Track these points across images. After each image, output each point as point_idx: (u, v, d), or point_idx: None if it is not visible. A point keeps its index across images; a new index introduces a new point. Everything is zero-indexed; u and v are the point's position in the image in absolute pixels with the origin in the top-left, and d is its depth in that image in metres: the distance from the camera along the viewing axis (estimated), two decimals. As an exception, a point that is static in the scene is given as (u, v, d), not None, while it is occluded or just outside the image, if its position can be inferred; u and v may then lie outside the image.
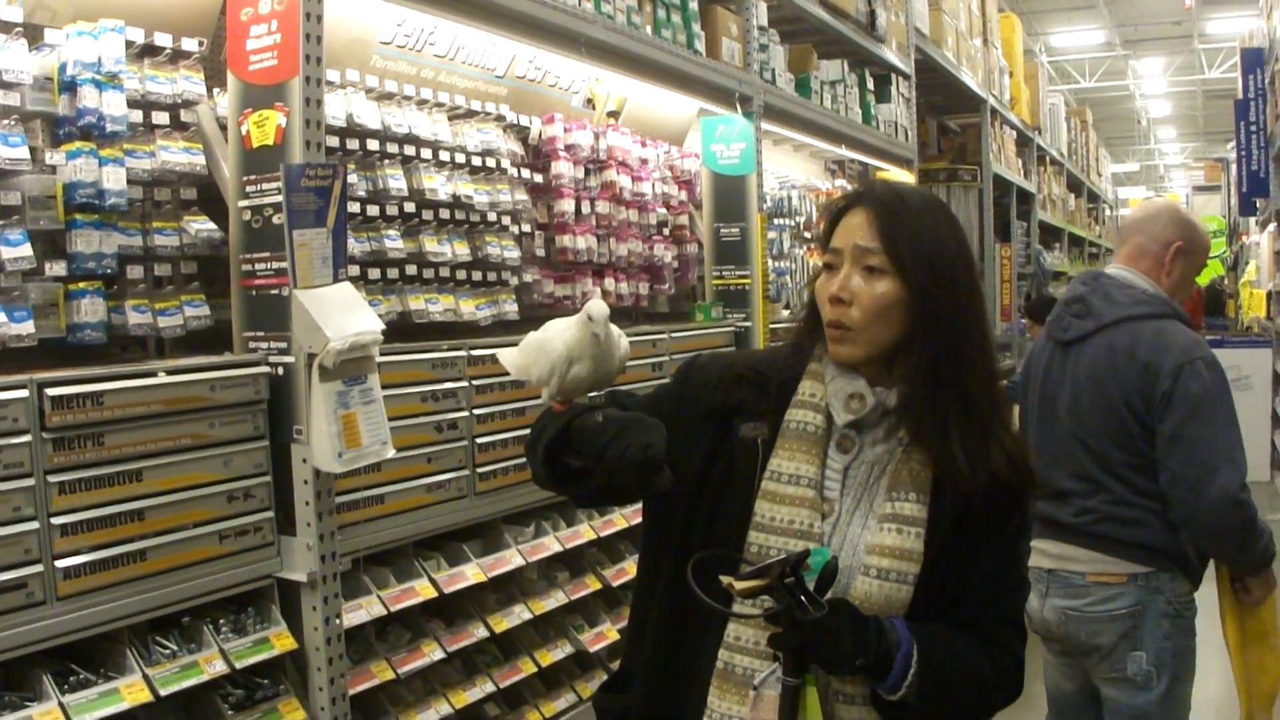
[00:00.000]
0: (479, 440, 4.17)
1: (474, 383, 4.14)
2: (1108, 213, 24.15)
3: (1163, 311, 3.56)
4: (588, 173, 5.30)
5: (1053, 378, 3.71)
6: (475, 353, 4.12)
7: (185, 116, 3.63)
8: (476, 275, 4.62)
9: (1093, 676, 3.65)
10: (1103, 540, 3.50)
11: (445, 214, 4.44)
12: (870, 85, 8.39)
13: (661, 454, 1.92)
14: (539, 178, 5.03)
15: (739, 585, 1.88)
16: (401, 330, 4.19)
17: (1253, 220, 16.34)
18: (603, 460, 1.93)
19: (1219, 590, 3.70)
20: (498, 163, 4.67)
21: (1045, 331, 3.87)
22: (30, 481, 2.87)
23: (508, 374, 2.35)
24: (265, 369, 3.43)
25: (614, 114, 5.64)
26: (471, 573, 4.09)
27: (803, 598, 1.86)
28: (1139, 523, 3.46)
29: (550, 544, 4.49)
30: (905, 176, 9.09)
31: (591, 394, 2.23)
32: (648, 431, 1.93)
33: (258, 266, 3.48)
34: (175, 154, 3.52)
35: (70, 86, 3.28)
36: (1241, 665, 3.73)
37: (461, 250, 4.48)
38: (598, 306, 2.19)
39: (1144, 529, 3.46)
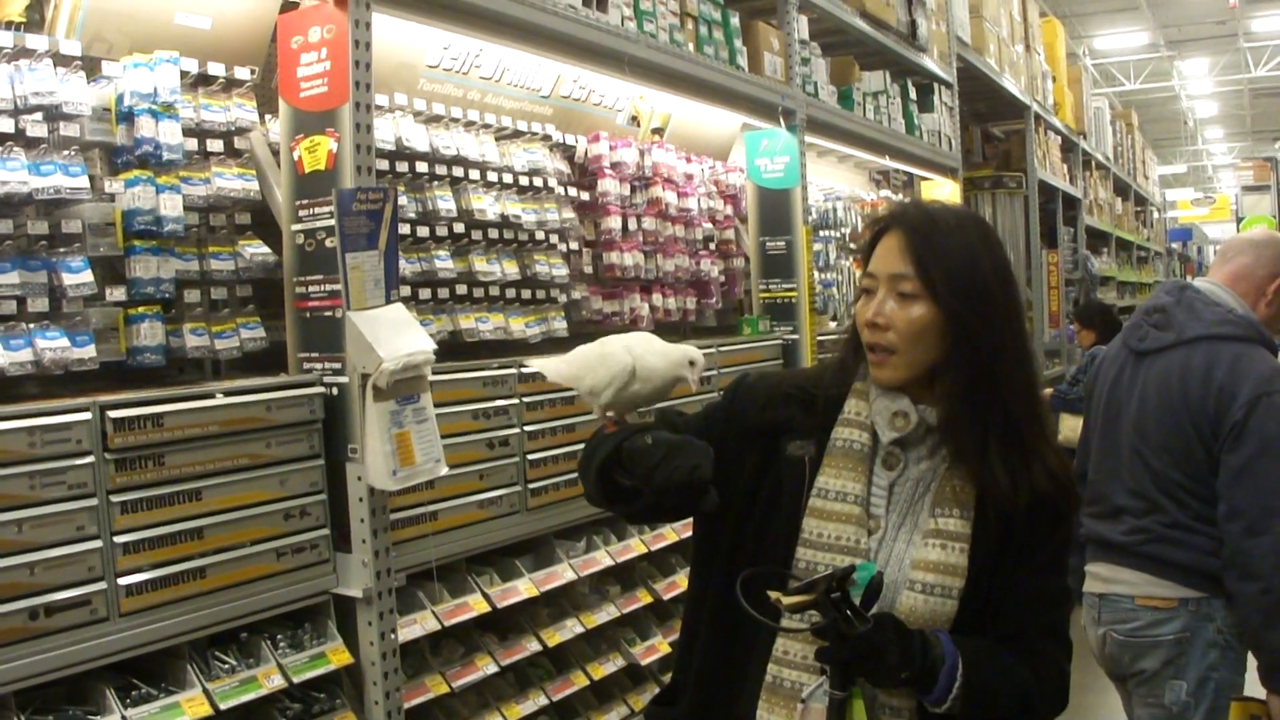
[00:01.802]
0: (530, 456, 4.21)
1: (524, 400, 4.18)
2: (1155, 215, 23.96)
3: (1247, 334, 3.40)
4: (633, 189, 5.33)
5: (1122, 388, 3.57)
6: (526, 370, 4.15)
7: (239, 143, 3.70)
8: (526, 293, 4.66)
9: (1131, 696, 3.55)
10: (1153, 561, 3.37)
11: (494, 233, 4.48)
12: (913, 95, 8.38)
13: (708, 477, 1.96)
14: (585, 195, 5.08)
15: (786, 600, 1.91)
16: (453, 349, 4.24)
17: (1302, 221, 16.20)
18: (651, 482, 1.97)
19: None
20: (545, 182, 4.72)
21: (1121, 339, 3.72)
22: (93, 501, 2.94)
23: (558, 391, 2.40)
24: (320, 389, 3.49)
25: (658, 131, 5.68)
26: (524, 587, 4.13)
27: (849, 612, 1.90)
28: (1192, 546, 3.31)
29: (601, 558, 4.52)
30: (950, 186, 9.07)
31: (641, 410, 2.28)
32: (695, 454, 1.97)
33: (311, 289, 3.55)
34: (229, 180, 3.59)
35: (127, 117, 3.36)
36: None
37: (510, 269, 4.52)
38: (700, 356, 2.28)
39: (1197, 552, 3.31)
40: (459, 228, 4.33)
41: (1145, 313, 3.63)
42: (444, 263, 4.23)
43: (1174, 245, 28.46)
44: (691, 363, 2.25)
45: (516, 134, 4.67)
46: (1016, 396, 2.07)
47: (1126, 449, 3.49)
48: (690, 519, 2.31)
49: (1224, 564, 3.25)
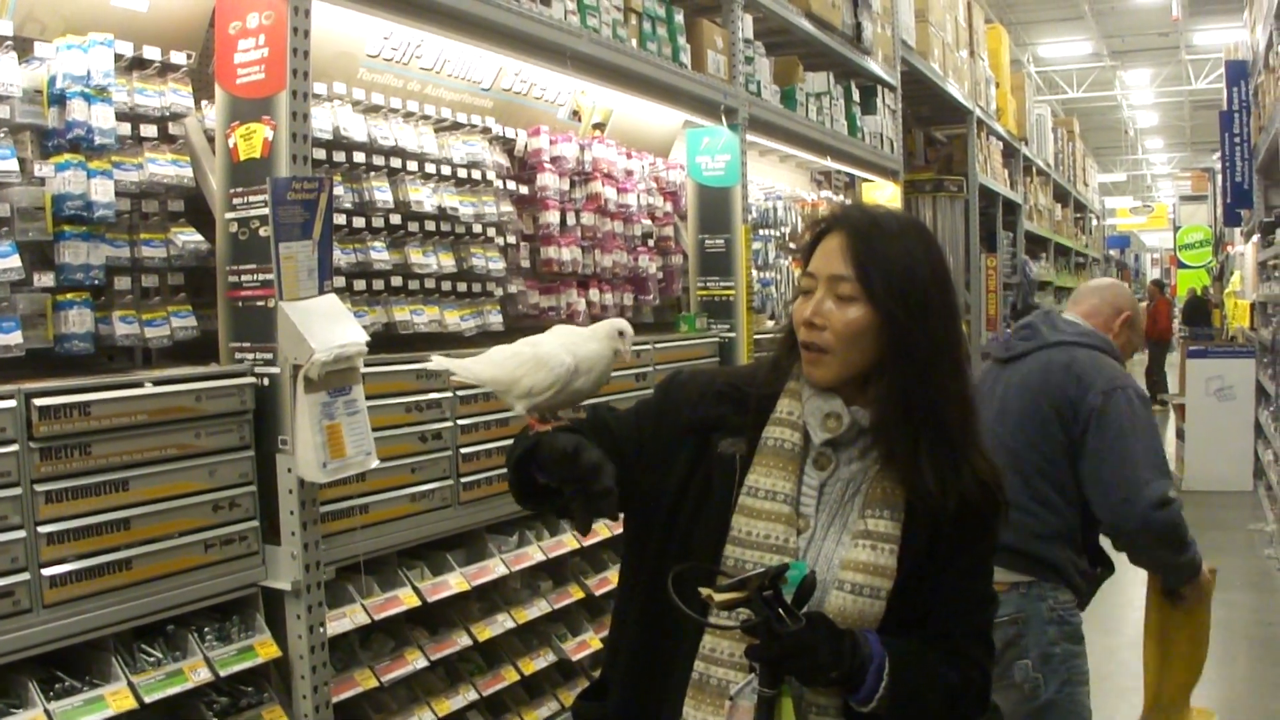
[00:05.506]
0: (463, 450, 4.19)
1: (458, 393, 4.15)
2: (1094, 222, 24.22)
3: (1102, 346, 3.77)
4: (573, 184, 5.31)
5: (984, 391, 3.79)
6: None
7: (173, 129, 3.65)
8: (461, 286, 4.63)
9: None
10: None
11: (431, 226, 4.46)
12: (856, 97, 8.41)
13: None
14: (524, 189, 5.05)
15: (718, 597, 1.91)
16: (386, 341, 4.20)
17: (1237, 231, 16.42)
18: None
19: (1149, 582, 3.92)
20: (483, 175, 4.69)
21: (990, 356, 4.06)
22: (17, 490, 2.89)
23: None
24: (251, 380, 3.46)
25: (599, 126, 5.67)
26: (455, 582, 4.11)
27: (780, 610, 1.90)
28: (1020, 527, 3.48)
29: (534, 553, 4.51)
30: (891, 188, 9.13)
31: (577, 405, 2.29)
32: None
33: (244, 278, 3.51)
34: (163, 166, 3.54)
35: (59, 99, 3.30)
36: (1157, 653, 3.94)
37: (447, 262, 4.50)
38: (626, 324, 2.29)
39: (1031, 537, 3.54)
40: (395, 219, 4.30)
41: (1014, 330, 4.04)
42: (379, 254, 4.19)
43: (1112, 252, 28.84)
44: (620, 333, 2.25)
45: (456, 126, 4.64)
46: (949, 402, 2.08)
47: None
48: (622, 516, 2.31)
49: (1111, 536, 3.58)
